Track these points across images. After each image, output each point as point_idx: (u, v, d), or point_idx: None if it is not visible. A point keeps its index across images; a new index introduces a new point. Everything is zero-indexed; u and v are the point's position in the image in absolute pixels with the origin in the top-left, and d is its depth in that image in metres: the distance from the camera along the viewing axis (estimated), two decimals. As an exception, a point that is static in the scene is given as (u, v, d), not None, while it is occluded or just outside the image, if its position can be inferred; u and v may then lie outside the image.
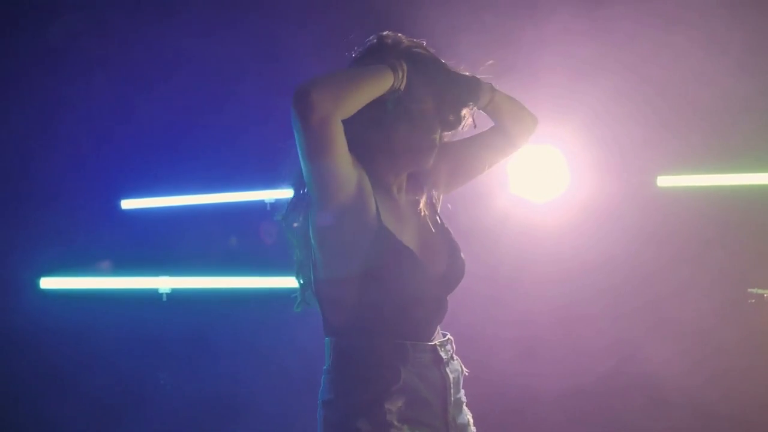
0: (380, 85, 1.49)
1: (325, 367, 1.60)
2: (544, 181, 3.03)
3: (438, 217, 1.73)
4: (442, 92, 1.56)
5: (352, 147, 1.49)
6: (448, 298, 1.67)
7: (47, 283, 3.34)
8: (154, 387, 3.32)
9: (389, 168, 1.61)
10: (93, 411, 3.27)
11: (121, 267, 3.36)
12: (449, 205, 1.82)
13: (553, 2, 2.95)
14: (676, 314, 2.90)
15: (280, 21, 3.18)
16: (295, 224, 1.59)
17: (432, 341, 1.59)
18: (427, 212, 1.69)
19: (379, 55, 1.54)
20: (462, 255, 1.68)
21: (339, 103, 1.41)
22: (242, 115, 3.24)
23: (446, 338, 1.65)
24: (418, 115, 1.56)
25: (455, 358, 1.66)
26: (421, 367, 1.56)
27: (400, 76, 1.51)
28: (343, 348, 1.58)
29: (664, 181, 2.98)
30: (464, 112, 1.60)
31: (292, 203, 1.59)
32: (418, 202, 1.68)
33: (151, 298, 3.30)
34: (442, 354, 1.60)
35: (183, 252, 3.33)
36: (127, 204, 3.41)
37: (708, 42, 2.78)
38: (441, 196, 1.79)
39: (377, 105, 1.50)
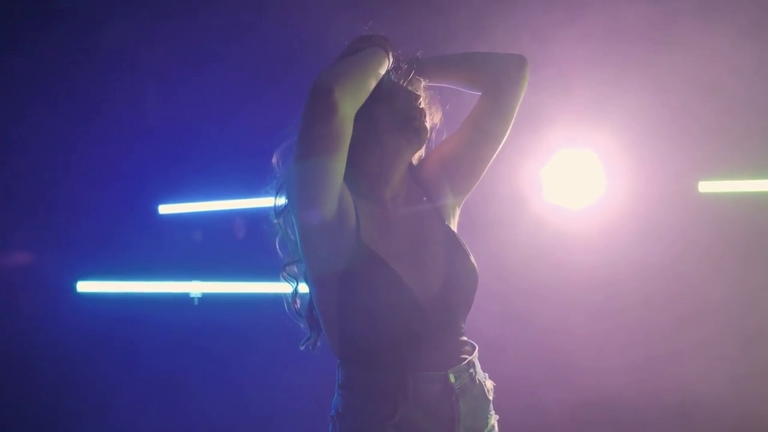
0: (382, 67, 1.46)
1: (336, 383, 1.56)
2: (579, 187, 2.91)
3: (447, 230, 1.58)
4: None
5: None
6: (460, 323, 1.53)
7: (84, 286, 3.40)
8: (186, 387, 3.34)
9: (379, 163, 1.52)
10: (126, 410, 3.32)
11: (157, 271, 3.38)
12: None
13: (588, 2, 2.84)
14: (719, 329, 2.74)
15: (319, 29, 3.15)
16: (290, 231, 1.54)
17: (442, 370, 1.47)
18: (431, 224, 1.56)
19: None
20: (471, 273, 1.52)
21: (358, 99, 1.38)
22: (280, 121, 3.23)
23: (465, 362, 1.51)
24: (393, 93, 1.51)
25: (479, 381, 1.53)
26: (425, 400, 1.45)
27: (391, 53, 1.48)
28: (347, 373, 1.52)
29: (706, 186, 2.81)
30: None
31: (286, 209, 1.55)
32: (420, 213, 1.57)
33: (183, 301, 3.32)
34: (455, 383, 1.48)
35: (217, 256, 3.34)
36: (165, 209, 3.45)
37: (751, 39, 2.64)
38: (453, 205, 1.64)
39: None
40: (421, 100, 1.54)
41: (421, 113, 1.53)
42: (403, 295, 1.44)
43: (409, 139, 1.53)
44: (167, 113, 3.33)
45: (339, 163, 1.39)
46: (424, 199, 1.60)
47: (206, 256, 3.33)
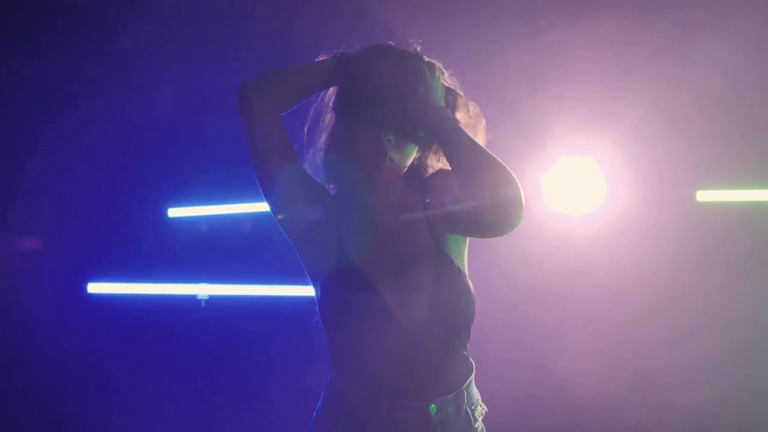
0: (315, 70, 1.50)
1: (324, 383, 1.55)
2: (580, 194, 2.93)
3: (439, 250, 1.46)
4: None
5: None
6: (453, 345, 1.45)
7: (94, 288, 3.46)
8: (192, 388, 3.39)
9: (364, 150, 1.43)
10: (134, 410, 3.38)
11: (165, 273, 3.43)
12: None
13: (588, 9, 2.85)
14: (717, 337, 2.71)
15: (337, 35, 3.11)
16: None
17: (422, 401, 1.40)
18: (423, 243, 1.47)
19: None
20: (463, 293, 1.43)
21: (271, 93, 1.45)
22: (291, 125, 3.25)
23: (454, 393, 1.44)
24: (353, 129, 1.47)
25: (465, 411, 1.46)
26: (400, 425, 1.40)
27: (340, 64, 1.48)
28: (334, 376, 1.51)
29: (704, 195, 2.81)
30: None
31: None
32: (412, 230, 1.49)
33: (190, 303, 3.37)
34: (435, 416, 1.41)
35: (225, 259, 3.38)
36: (174, 212, 3.50)
37: (750, 49, 2.63)
38: (455, 220, 1.48)
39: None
40: (382, 138, 1.41)
41: (378, 155, 1.42)
42: (383, 315, 1.40)
43: (369, 174, 1.46)
44: (177, 116, 3.35)
45: (271, 163, 1.45)
46: (421, 213, 1.52)
47: (214, 259, 3.38)
